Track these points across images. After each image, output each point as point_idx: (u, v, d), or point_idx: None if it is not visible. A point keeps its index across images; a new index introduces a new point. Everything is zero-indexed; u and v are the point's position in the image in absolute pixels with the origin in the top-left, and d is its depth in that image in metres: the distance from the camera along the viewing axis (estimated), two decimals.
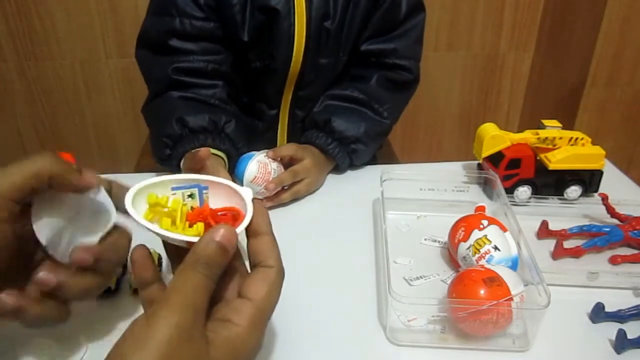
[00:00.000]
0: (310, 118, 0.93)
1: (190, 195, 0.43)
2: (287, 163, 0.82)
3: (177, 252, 0.41)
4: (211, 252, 0.36)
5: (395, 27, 0.95)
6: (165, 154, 0.81)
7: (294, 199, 0.81)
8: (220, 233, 0.36)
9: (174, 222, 0.41)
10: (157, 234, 0.39)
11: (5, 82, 1.67)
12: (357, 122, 0.89)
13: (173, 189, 0.43)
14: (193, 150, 0.73)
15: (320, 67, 0.92)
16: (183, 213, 0.42)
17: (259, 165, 0.76)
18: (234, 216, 0.42)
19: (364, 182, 0.81)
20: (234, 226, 0.39)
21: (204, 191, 0.43)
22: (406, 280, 0.63)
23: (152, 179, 0.42)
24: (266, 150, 0.79)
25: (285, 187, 0.80)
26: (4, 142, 1.76)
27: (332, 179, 0.87)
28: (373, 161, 1.12)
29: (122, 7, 1.58)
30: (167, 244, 0.42)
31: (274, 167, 0.78)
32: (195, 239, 0.37)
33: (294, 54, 0.89)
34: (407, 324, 0.56)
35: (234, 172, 0.78)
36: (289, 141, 1.00)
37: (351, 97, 0.92)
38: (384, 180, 0.73)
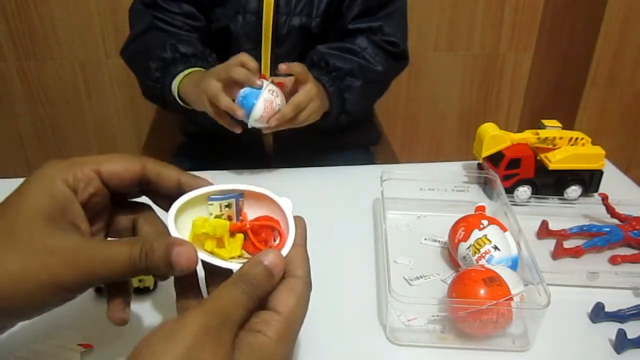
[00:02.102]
0: (307, 58, 0.97)
1: (228, 205, 0.43)
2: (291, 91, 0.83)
3: (215, 270, 0.40)
4: (256, 273, 0.36)
5: (379, 8, 1.01)
6: (155, 76, 0.90)
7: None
8: (269, 257, 0.37)
9: (219, 244, 0.41)
10: (203, 260, 0.39)
11: (5, 82, 1.67)
12: (350, 61, 0.95)
13: (210, 199, 0.42)
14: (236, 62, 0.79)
15: (293, 25, 0.97)
16: (227, 234, 0.42)
17: (265, 103, 0.77)
18: (273, 228, 0.42)
19: (364, 182, 0.81)
20: (279, 244, 0.40)
21: (240, 199, 0.43)
22: (406, 280, 0.63)
23: (189, 194, 0.41)
24: (270, 82, 0.79)
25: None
26: (4, 142, 1.76)
27: (332, 179, 0.86)
28: (373, 161, 1.12)
29: (122, 7, 1.57)
30: (205, 264, 0.41)
31: (278, 102, 0.79)
32: (237, 266, 0.38)
33: (264, 7, 0.95)
34: (407, 324, 0.56)
35: (237, 102, 0.78)
36: None
37: (343, 47, 0.98)
38: (384, 180, 0.73)
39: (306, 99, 0.82)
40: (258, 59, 0.99)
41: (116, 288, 0.41)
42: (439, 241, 0.70)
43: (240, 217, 0.43)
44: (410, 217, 0.76)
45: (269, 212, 0.43)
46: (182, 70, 0.88)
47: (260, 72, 0.99)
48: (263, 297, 0.36)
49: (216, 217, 0.42)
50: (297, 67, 0.82)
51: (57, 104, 1.72)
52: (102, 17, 1.60)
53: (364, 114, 1.08)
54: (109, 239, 0.42)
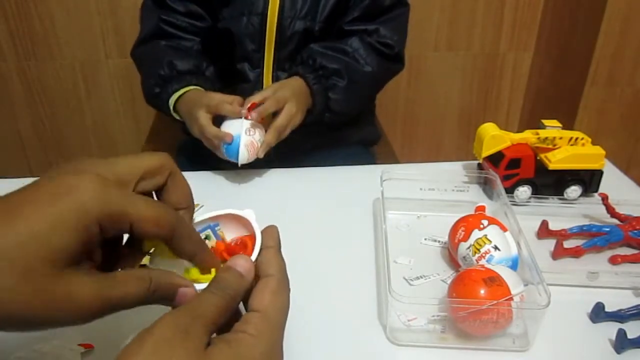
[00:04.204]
0: (297, 56, 0.99)
1: (206, 237, 0.44)
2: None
3: None
4: (224, 275, 0.37)
5: (379, 15, 1.01)
6: (155, 92, 0.94)
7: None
8: (236, 262, 0.38)
9: (203, 272, 0.42)
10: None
11: (5, 82, 1.67)
12: (338, 60, 0.96)
13: None
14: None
15: (297, 29, 0.97)
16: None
17: (247, 148, 0.79)
18: (245, 242, 0.42)
19: (364, 182, 0.81)
20: (249, 252, 0.40)
21: (217, 228, 0.44)
22: (406, 280, 0.63)
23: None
24: (247, 124, 0.80)
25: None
26: (4, 142, 1.77)
27: (332, 179, 0.86)
28: (373, 161, 1.12)
29: (122, 7, 1.58)
30: None
31: (257, 138, 0.81)
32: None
33: (269, 10, 0.96)
34: (407, 324, 0.56)
35: (224, 150, 0.82)
36: None
37: (334, 47, 0.98)
38: (384, 180, 0.73)
39: (286, 120, 0.84)
40: (261, 61, 1.00)
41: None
42: (439, 241, 0.70)
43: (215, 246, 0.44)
44: (410, 217, 0.76)
45: (242, 224, 0.44)
46: (178, 90, 0.91)
47: (260, 82, 0.99)
48: (237, 296, 0.37)
49: None
50: (269, 105, 0.82)
51: (57, 104, 1.72)
52: (102, 17, 1.60)
53: (357, 113, 1.08)
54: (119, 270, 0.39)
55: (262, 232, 0.42)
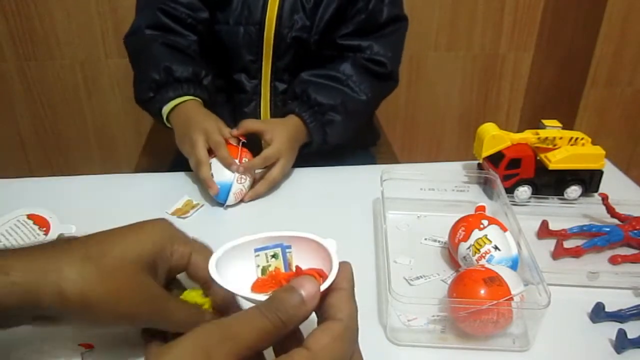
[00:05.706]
0: (290, 91, 0.97)
1: (274, 255, 0.41)
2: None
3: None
4: (284, 297, 0.34)
5: (374, 30, 0.99)
6: (148, 96, 0.89)
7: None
8: (301, 283, 0.34)
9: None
10: (246, 298, 0.38)
11: (5, 82, 1.67)
12: (333, 93, 0.94)
13: (256, 250, 0.41)
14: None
15: (294, 39, 0.96)
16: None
17: (236, 196, 0.79)
18: (318, 274, 0.39)
19: (364, 182, 0.81)
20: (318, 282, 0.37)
21: (287, 250, 0.41)
22: (406, 280, 0.63)
23: (233, 241, 0.41)
24: (235, 170, 0.79)
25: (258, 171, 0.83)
26: (4, 142, 1.77)
27: (332, 179, 0.87)
28: (373, 161, 1.12)
29: (122, 7, 1.58)
30: None
31: (247, 185, 0.80)
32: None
33: (267, 20, 0.94)
34: (407, 324, 0.56)
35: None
36: (271, 113, 1.02)
37: (327, 75, 0.96)
38: (384, 180, 0.73)
39: (280, 175, 0.83)
40: (258, 72, 0.99)
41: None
42: (439, 241, 0.70)
43: (289, 269, 0.41)
44: (410, 217, 0.76)
45: (316, 254, 0.41)
46: (174, 98, 0.87)
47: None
48: (289, 323, 0.33)
49: (263, 268, 0.41)
50: (258, 162, 0.81)
51: (57, 104, 1.72)
52: (102, 17, 1.60)
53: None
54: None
55: (338, 269, 0.38)
